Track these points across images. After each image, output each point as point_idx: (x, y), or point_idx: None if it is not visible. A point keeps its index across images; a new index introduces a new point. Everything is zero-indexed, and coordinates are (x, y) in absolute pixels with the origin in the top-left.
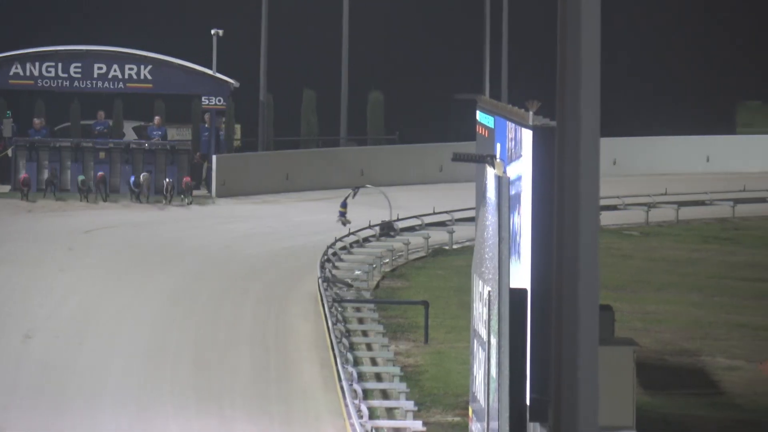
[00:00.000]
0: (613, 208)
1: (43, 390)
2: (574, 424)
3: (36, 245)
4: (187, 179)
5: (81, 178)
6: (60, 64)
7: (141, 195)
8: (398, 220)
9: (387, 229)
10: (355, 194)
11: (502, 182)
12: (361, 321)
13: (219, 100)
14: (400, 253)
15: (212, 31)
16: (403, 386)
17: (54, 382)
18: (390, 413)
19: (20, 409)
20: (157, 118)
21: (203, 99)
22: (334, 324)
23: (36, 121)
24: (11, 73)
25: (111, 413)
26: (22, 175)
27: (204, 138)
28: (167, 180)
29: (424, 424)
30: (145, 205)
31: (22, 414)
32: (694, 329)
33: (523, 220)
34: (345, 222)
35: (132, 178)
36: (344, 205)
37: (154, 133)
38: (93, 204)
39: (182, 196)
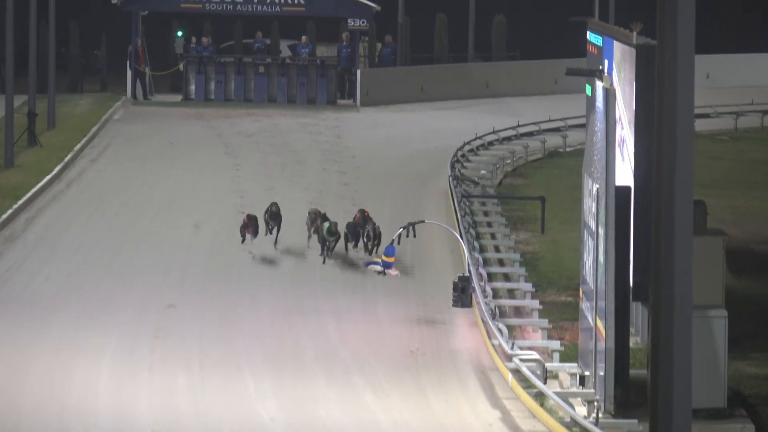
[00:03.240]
0: (706, 116)
1: (211, 272)
2: (671, 303)
3: (206, 148)
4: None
5: (328, 225)
6: None
7: (329, 250)
8: (519, 126)
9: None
10: (412, 232)
11: (609, 93)
12: (485, 214)
13: (363, 22)
14: (520, 155)
15: None
16: (522, 270)
17: (219, 265)
18: (511, 294)
19: (191, 288)
20: (303, 38)
21: (349, 21)
22: (462, 216)
23: (204, 39)
24: None
25: (268, 292)
26: (245, 218)
27: (343, 54)
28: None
29: (541, 303)
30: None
31: (193, 293)
32: None
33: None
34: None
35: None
36: (390, 252)
37: (302, 50)
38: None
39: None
